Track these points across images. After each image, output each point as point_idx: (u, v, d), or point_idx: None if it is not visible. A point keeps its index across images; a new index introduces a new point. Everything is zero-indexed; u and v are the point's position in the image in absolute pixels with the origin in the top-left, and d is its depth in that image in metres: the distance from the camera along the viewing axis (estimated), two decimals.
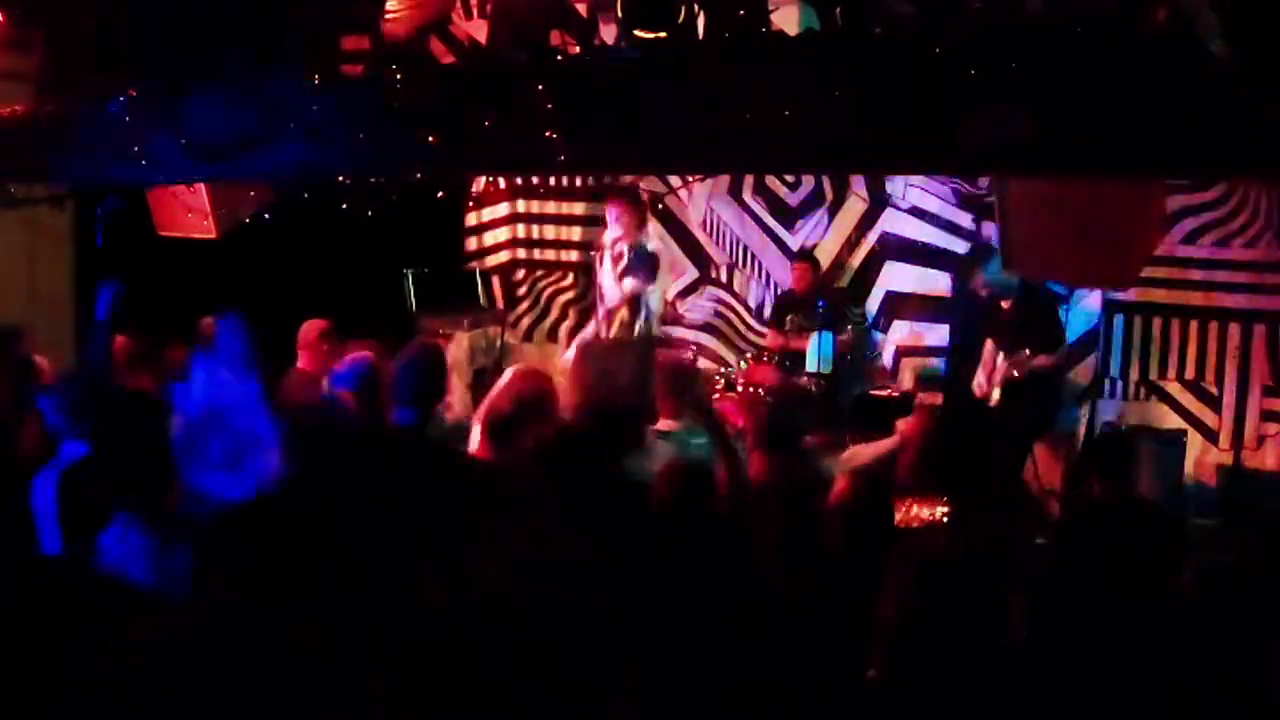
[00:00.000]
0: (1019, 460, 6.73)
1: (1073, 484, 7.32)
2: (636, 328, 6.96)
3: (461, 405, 7.40)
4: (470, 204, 9.55)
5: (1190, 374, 7.70)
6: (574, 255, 9.37)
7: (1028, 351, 6.74)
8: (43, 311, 7.10)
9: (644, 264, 6.90)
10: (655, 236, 7.36)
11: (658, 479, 3.89)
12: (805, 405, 7.28)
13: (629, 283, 6.88)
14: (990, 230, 7.24)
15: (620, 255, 6.90)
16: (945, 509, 4.13)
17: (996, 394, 6.93)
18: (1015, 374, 6.79)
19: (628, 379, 6.80)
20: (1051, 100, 4.14)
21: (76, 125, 6.08)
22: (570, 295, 9.41)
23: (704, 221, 9.08)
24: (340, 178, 5.57)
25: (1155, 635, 3.09)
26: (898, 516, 4.18)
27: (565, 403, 7.03)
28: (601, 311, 7.11)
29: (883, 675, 2.79)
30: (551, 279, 9.51)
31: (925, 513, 4.16)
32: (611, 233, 6.97)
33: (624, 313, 6.95)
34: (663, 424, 5.16)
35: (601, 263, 7.02)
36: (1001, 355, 6.95)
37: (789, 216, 8.83)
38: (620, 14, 4.87)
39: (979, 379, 7.14)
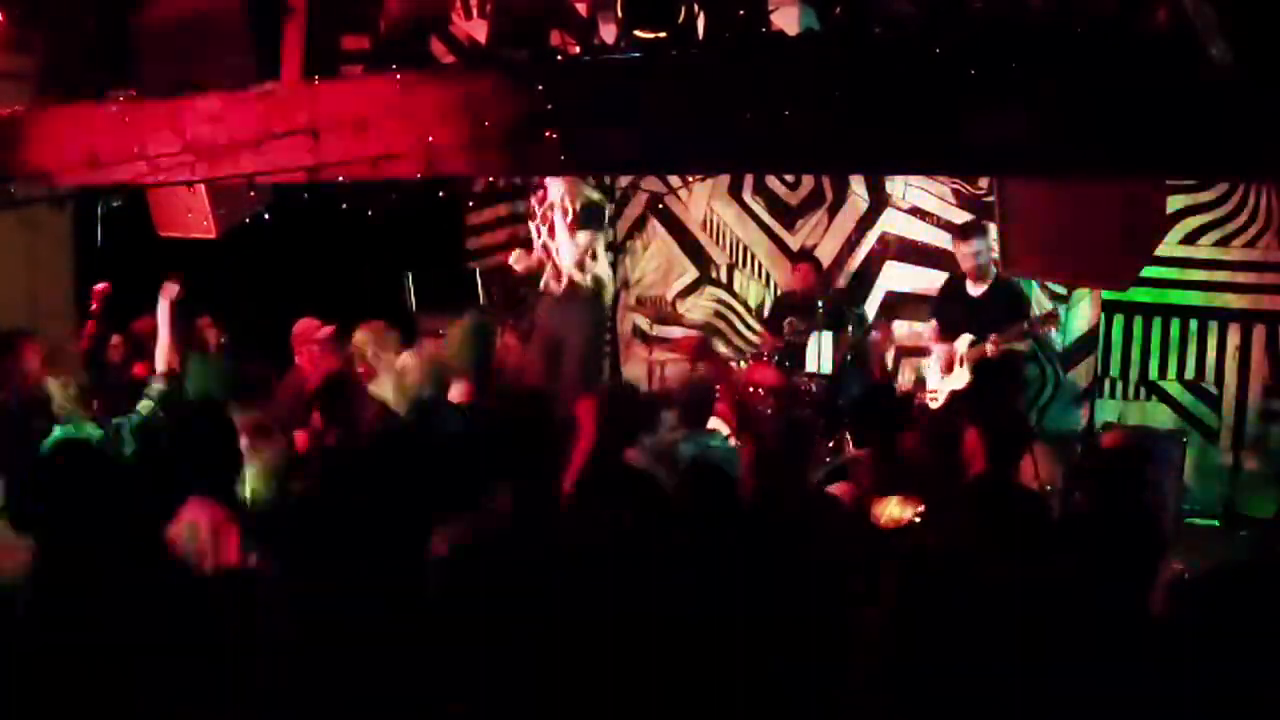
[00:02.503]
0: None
1: (1073, 484, 7.33)
2: (588, 279, 7.21)
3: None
4: (470, 204, 9.54)
5: (1190, 374, 7.70)
6: None
7: (1024, 325, 6.74)
8: (43, 311, 7.09)
9: (592, 215, 7.16)
10: (587, 185, 7.56)
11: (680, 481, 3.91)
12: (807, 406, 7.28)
13: (582, 236, 7.07)
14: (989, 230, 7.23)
15: (566, 210, 7.09)
16: (919, 509, 4.14)
17: (965, 375, 6.89)
18: (989, 349, 6.77)
19: (582, 333, 7.03)
20: (1052, 101, 4.14)
21: (77, 125, 6.08)
22: None
23: (704, 221, 9.08)
24: (340, 177, 5.56)
25: (1154, 634, 3.10)
26: (875, 517, 4.19)
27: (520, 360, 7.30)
28: (549, 272, 7.28)
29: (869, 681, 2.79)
30: None
31: (901, 512, 4.16)
32: (554, 192, 7.15)
33: (576, 269, 7.17)
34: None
35: (550, 225, 7.15)
36: (968, 339, 6.91)
37: (789, 216, 8.83)
38: (620, 14, 4.87)
39: (939, 355, 7.10)
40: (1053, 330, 7.01)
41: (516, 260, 7.47)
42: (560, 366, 7.08)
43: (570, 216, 7.09)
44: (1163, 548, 4.20)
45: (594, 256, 7.21)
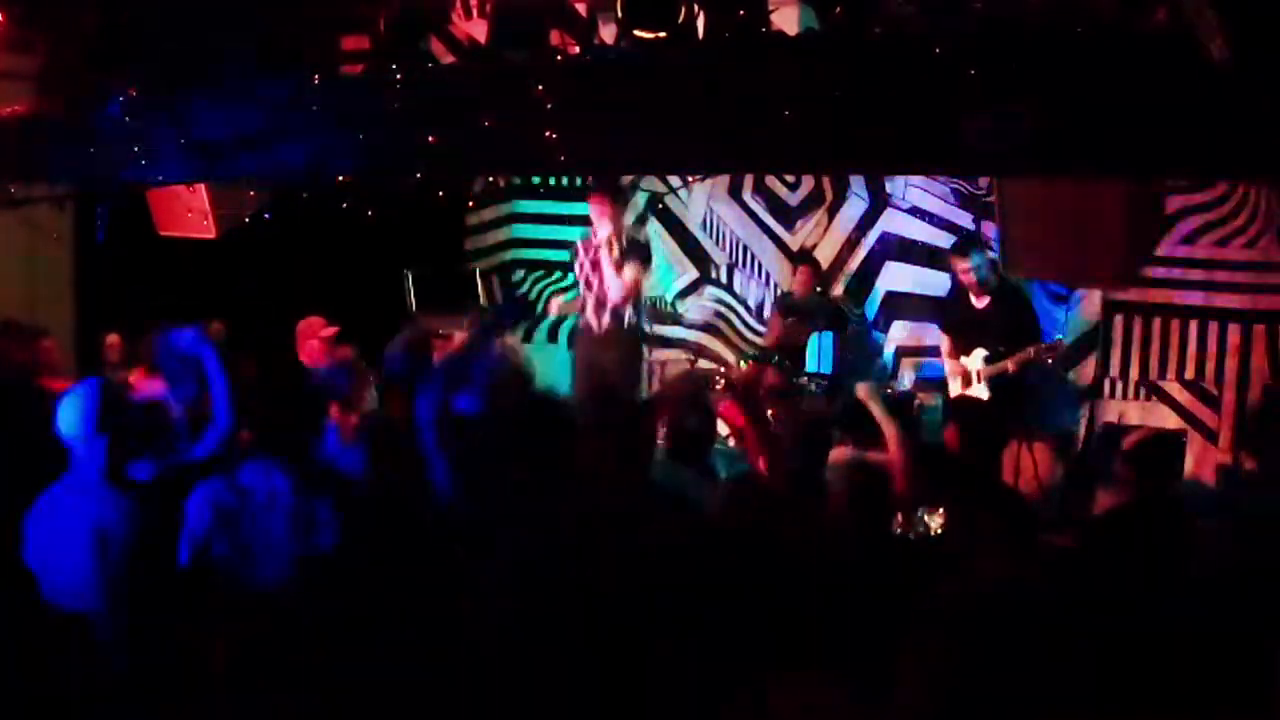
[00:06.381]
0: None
1: (1074, 483, 7.33)
2: (627, 320, 7.18)
3: None
4: (470, 204, 9.55)
5: (1190, 374, 7.69)
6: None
7: (1031, 351, 6.72)
8: (43, 311, 7.10)
9: (638, 251, 7.16)
10: (636, 222, 7.51)
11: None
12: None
13: (629, 271, 7.07)
14: (990, 230, 7.23)
15: (612, 246, 7.09)
16: (941, 518, 4.13)
17: (983, 391, 6.89)
18: (1010, 368, 6.77)
19: (616, 370, 7.01)
20: (1051, 100, 4.14)
21: (76, 125, 6.08)
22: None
23: (704, 221, 9.08)
24: (340, 177, 5.56)
25: (1161, 632, 3.10)
26: (897, 527, 4.18)
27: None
28: (592, 305, 7.25)
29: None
30: (551, 279, 9.50)
31: (926, 521, 4.17)
32: (603, 230, 7.13)
33: (621, 307, 7.14)
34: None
35: (596, 261, 7.14)
36: (982, 354, 6.91)
37: (789, 216, 8.82)
38: (620, 14, 4.87)
39: (955, 373, 7.11)
40: (1054, 360, 7.02)
41: (557, 308, 7.50)
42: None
43: (617, 253, 7.09)
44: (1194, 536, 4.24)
45: (640, 292, 7.23)
